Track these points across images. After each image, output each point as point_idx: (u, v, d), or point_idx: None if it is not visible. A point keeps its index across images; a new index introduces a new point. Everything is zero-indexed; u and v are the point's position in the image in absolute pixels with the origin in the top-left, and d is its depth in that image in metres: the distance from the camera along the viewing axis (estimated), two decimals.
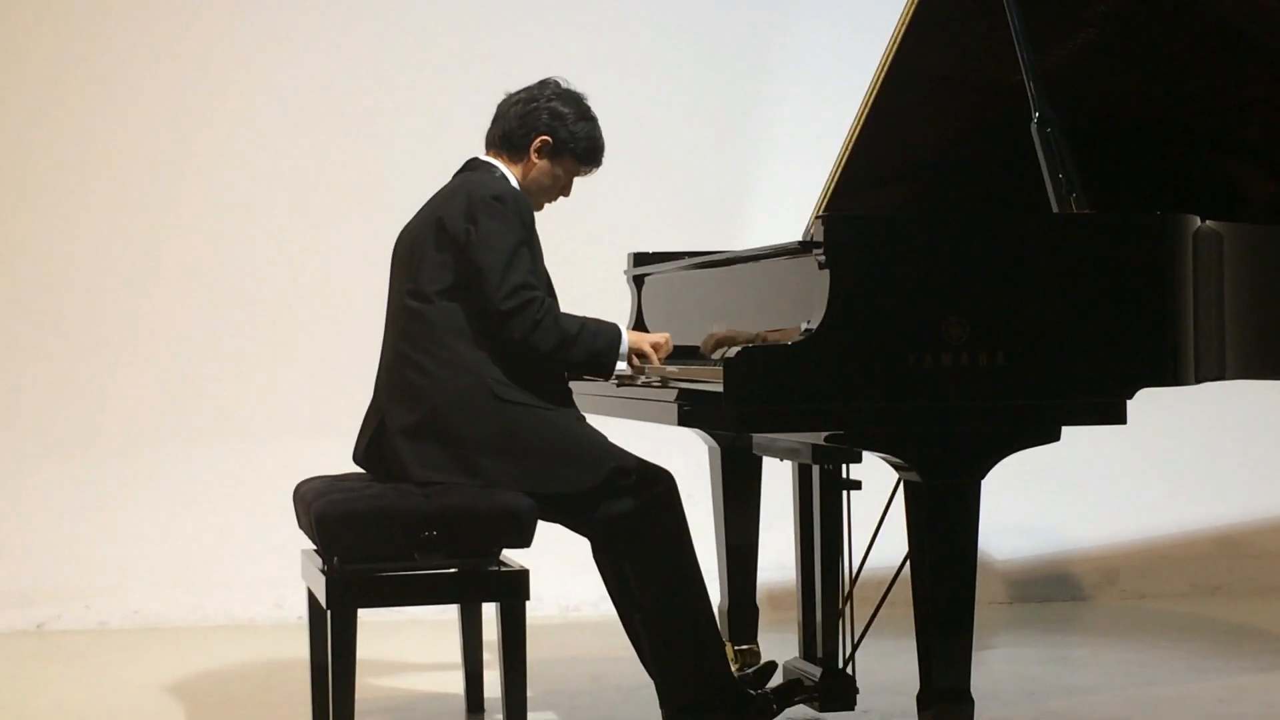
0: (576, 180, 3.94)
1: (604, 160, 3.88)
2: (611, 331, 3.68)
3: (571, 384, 4.21)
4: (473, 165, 3.82)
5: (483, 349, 3.63)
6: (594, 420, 3.79)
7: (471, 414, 3.61)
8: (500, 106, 3.84)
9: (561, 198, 3.88)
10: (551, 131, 3.78)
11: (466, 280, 3.63)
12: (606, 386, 3.94)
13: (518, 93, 3.83)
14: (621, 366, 3.70)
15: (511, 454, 3.59)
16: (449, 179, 3.84)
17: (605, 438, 3.69)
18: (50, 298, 5.87)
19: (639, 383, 3.77)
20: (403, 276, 3.75)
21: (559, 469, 3.61)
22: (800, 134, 6.03)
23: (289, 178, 5.91)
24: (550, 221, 5.93)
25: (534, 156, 3.79)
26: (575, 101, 3.83)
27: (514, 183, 3.78)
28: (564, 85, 3.84)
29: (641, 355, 3.71)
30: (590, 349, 3.64)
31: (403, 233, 3.83)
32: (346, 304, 5.83)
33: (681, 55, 6.15)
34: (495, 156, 3.82)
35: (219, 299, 5.91)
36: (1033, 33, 3.64)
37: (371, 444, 3.76)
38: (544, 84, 3.83)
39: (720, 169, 6.14)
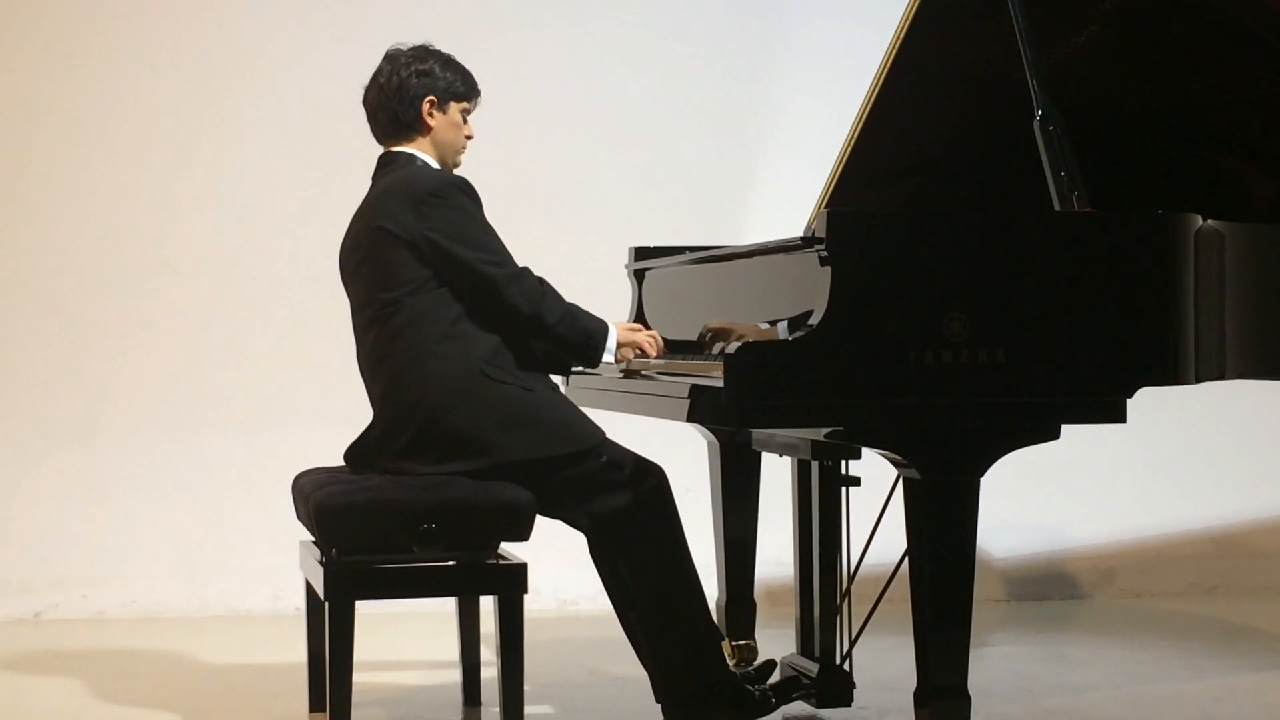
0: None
1: (481, 88, 3.90)
2: (599, 320, 3.75)
3: (572, 379, 4.23)
4: (389, 160, 3.84)
5: (463, 338, 3.66)
6: (594, 415, 3.80)
7: (471, 398, 3.63)
8: (369, 102, 3.86)
9: (470, 142, 3.90)
10: (429, 89, 3.82)
11: (439, 276, 3.66)
12: (611, 381, 3.94)
13: (375, 80, 3.86)
14: (609, 359, 3.72)
15: (519, 423, 3.63)
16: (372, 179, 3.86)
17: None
18: (51, 287, 5.86)
19: (638, 376, 3.78)
20: (361, 285, 3.77)
21: (566, 430, 3.65)
22: (802, 129, 6.03)
23: (292, 170, 5.91)
24: (552, 216, 5.98)
25: (429, 120, 3.82)
26: (427, 54, 3.86)
27: (429, 159, 3.81)
28: (405, 48, 3.88)
29: (638, 349, 3.75)
30: (586, 329, 3.71)
31: (346, 244, 3.85)
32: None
33: (684, 50, 6.14)
34: (399, 144, 3.84)
35: (219, 289, 5.91)
36: (1036, 30, 3.64)
37: (362, 448, 3.77)
38: (393, 59, 3.86)
39: (722, 164, 6.14)
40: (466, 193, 3.70)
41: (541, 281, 3.70)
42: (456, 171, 3.86)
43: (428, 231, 3.64)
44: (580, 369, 3.94)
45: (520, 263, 3.72)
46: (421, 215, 3.65)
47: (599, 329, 3.72)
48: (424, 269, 3.66)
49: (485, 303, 3.67)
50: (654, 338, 3.82)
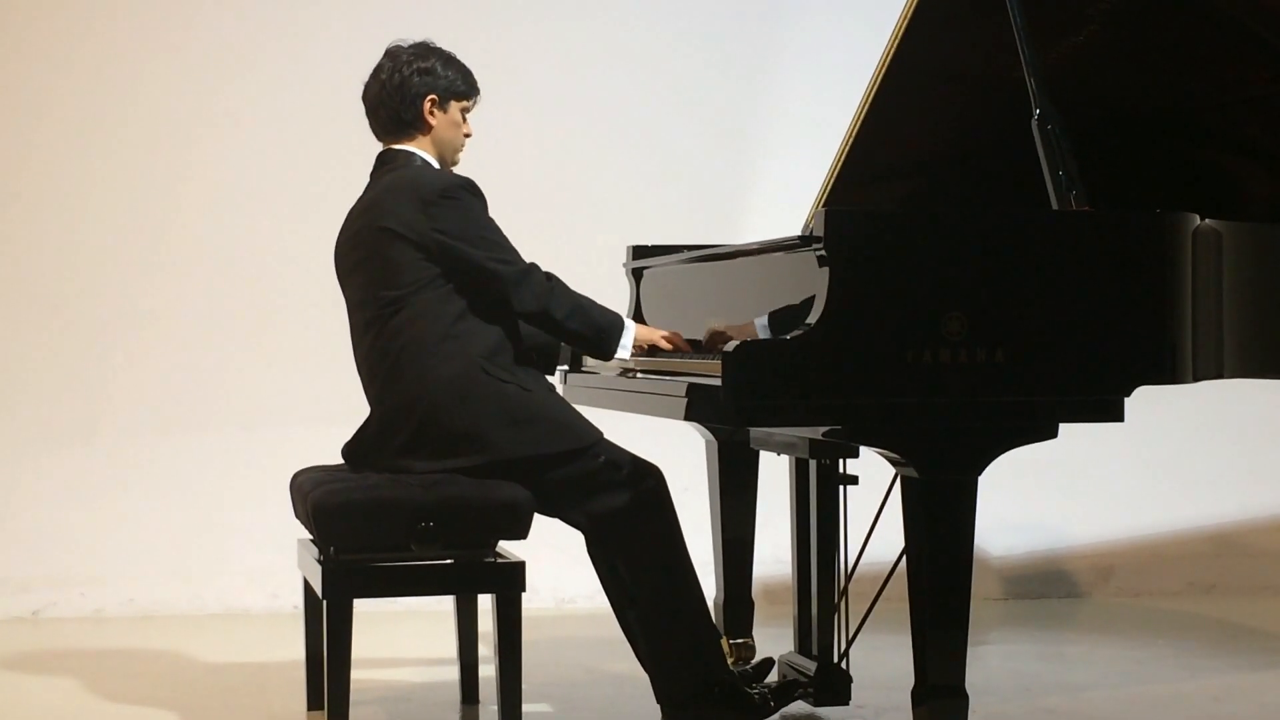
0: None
1: (481, 86, 3.90)
2: (614, 314, 3.74)
3: (571, 377, 4.23)
4: (389, 158, 3.83)
5: (463, 337, 3.66)
6: (592, 414, 3.80)
7: (470, 396, 3.63)
8: (370, 98, 3.85)
9: (468, 140, 3.90)
10: (431, 87, 3.81)
11: (444, 275, 3.65)
12: (609, 380, 3.94)
13: (376, 76, 3.85)
14: (624, 355, 3.72)
15: (517, 421, 3.63)
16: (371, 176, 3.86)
17: None
18: (49, 287, 5.86)
19: (635, 375, 3.78)
20: (361, 283, 3.76)
21: (564, 429, 3.66)
22: (800, 128, 6.03)
23: (291, 168, 5.91)
24: (550, 214, 5.98)
25: (430, 118, 3.82)
26: (429, 52, 3.86)
27: (429, 158, 3.82)
28: (406, 45, 3.87)
29: (656, 348, 3.74)
30: (598, 323, 3.70)
31: (343, 241, 3.84)
32: None
33: (682, 48, 6.14)
34: (399, 141, 3.84)
35: (218, 289, 5.90)
36: (1034, 29, 3.64)
37: (359, 445, 3.77)
38: (394, 56, 3.85)
39: (720, 162, 6.14)
40: (473, 193, 3.71)
41: (550, 277, 3.70)
42: (455, 170, 3.86)
43: (435, 233, 3.64)
44: (569, 369, 3.93)
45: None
46: (430, 216, 3.65)
47: (613, 323, 3.72)
48: (429, 268, 3.65)
49: (494, 301, 3.67)
50: (670, 336, 3.80)
